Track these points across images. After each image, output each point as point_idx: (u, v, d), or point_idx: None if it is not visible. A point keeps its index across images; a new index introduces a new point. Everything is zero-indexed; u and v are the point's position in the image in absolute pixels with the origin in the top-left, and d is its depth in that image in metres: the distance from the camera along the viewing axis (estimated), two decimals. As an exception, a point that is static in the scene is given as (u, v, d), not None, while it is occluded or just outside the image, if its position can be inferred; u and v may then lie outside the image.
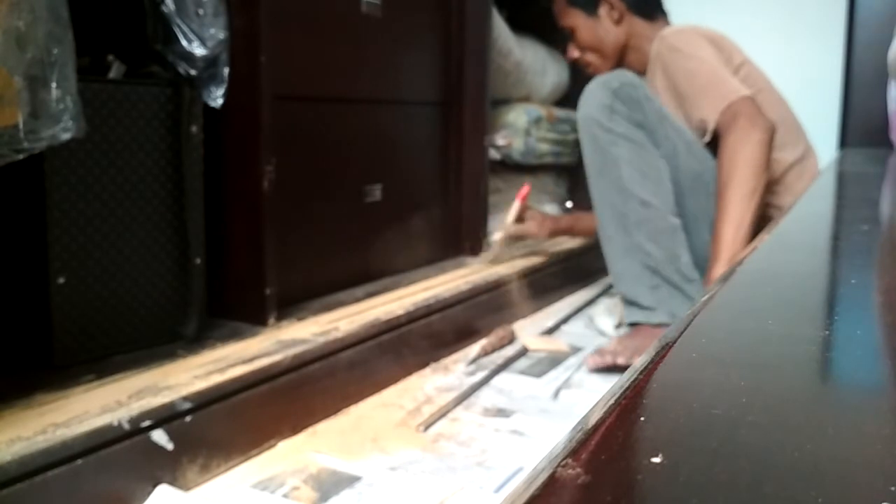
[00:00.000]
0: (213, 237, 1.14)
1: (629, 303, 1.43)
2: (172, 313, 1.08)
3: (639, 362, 0.33)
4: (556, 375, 1.34)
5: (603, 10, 1.60)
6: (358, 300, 1.34)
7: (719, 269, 1.28)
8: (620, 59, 1.63)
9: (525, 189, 1.70)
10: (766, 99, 1.48)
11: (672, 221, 1.41)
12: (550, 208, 2.14)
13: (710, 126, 1.39)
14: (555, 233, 1.77)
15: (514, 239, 1.73)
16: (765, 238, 0.67)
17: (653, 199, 1.40)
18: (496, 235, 1.68)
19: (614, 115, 1.41)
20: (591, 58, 1.66)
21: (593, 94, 1.44)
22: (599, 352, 1.36)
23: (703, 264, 1.40)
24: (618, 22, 1.61)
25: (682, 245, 1.41)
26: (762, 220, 1.33)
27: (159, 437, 0.87)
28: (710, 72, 1.44)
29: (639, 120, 1.41)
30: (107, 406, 0.86)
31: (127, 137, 1.01)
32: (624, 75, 1.45)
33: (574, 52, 1.69)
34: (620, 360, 1.33)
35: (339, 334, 1.15)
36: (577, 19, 1.63)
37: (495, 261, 1.68)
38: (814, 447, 0.25)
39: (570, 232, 1.81)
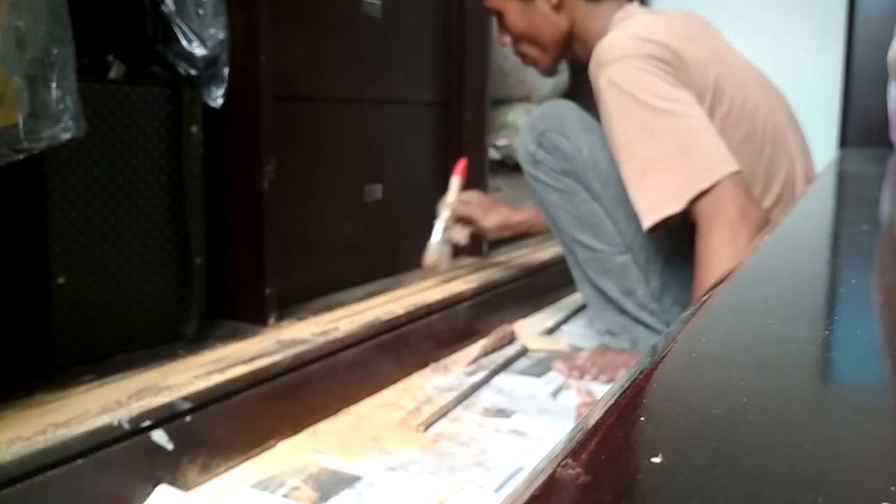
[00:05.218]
0: (213, 237, 1.14)
1: (597, 321, 1.43)
2: (172, 313, 1.08)
3: (625, 375, 0.33)
4: (556, 375, 1.34)
5: None
6: (358, 300, 1.34)
7: None
8: (564, 50, 1.35)
9: (462, 163, 1.51)
10: (750, 124, 1.21)
11: (619, 261, 1.33)
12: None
13: (682, 203, 1.10)
14: (505, 228, 1.53)
15: (457, 221, 1.51)
16: (765, 238, 0.67)
17: (594, 243, 1.34)
18: (443, 214, 1.48)
19: (539, 165, 1.34)
20: (527, 49, 1.36)
21: (521, 138, 1.37)
22: (569, 364, 1.35)
23: (667, 293, 1.34)
24: (557, 7, 1.29)
25: (636, 280, 1.33)
26: None
27: (159, 437, 0.87)
28: (676, 134, 1.11)
29: (564, 168, 1.31)
30: (107, 406, 0.86)
31: (127, 137, 1.01)
32: (551, 116, 1.32)
33: (504, 39, 1.39)
34: (587, 378, 1.32)
35: (339, 334, 1.15)
36: (505, 2, 1.33)
37: (439, 261, 1.47)
38: (814, 447, 0.25)
39: (527, 229, 1.57)
